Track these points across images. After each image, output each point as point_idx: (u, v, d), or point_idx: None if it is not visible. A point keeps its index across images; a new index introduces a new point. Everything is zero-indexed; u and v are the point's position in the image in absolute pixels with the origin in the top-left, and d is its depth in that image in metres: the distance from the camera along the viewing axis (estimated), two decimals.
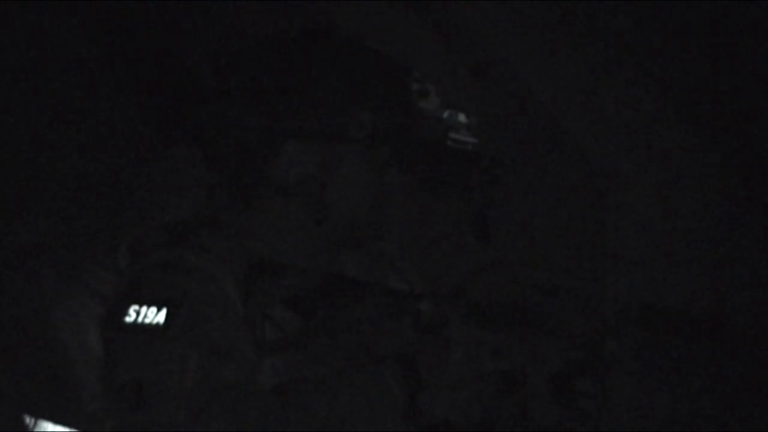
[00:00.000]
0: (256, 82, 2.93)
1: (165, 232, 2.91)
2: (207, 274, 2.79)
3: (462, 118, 3.04)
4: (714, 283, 3.81)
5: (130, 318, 2.74)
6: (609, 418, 3.23)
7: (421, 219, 3.23)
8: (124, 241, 2.95)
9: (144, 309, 2.74)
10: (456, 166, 3.02)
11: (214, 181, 2.98)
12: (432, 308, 2.98)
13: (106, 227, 3.02)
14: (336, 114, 2.91)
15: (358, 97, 2.93)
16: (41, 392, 3.13)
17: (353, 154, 2.95)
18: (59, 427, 3.12)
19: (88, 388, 2.99)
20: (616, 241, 3.75)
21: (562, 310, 3.03)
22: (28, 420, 3.12)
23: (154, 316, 2.72)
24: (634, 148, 3.86)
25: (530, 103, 3.50)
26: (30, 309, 3.25)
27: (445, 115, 3.04)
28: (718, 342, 3.35)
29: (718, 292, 3.79)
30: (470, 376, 2.94)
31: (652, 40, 3.83)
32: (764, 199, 3.80)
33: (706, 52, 3.78)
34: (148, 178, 3.02)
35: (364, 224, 3.03)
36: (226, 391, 2.70)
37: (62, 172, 3.53)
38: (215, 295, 2.79)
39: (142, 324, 2.72)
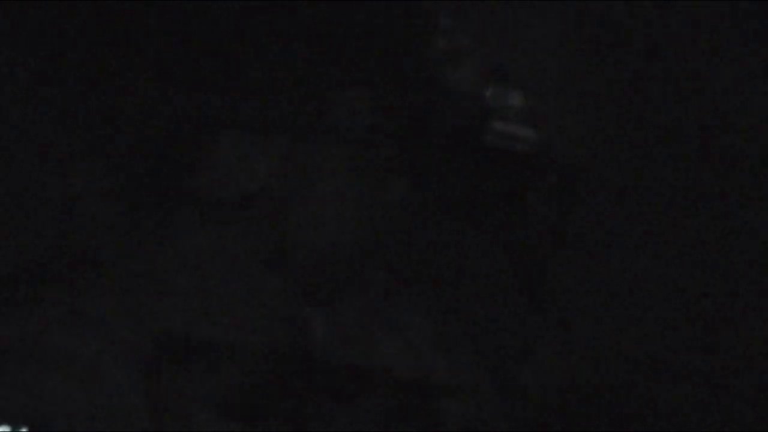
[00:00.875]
0: (193, 39, 1.88)
1: (21, 278, 1.87)
2: (91, 362, 1.80)
3: (515, 97, 1.86)
4: None
5: None
6: None
7: (443, 259, 2.05)
8: None
9: None
10: (501, 177, 1.86)
11: (109, 193, 1.93)
12: (463, 407, 1.91)
13: None
14: (313, 92, 1.87)
15: (350, 62, 1.87)
16: None
17: (337, 156, 1.88)
18: None
19: None
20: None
21: (666, 400, 1.99)
22: None
23: None
24: None
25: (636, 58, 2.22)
26: None
27: (488, 92, 1.87)
28: None
29: None
30: None
31: None
32: None
33: None
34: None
35: (347, 266, 1.93)
36: None
37: None
38: (107, 399, 1.79)
39: None
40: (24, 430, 1.76)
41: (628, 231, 2.13)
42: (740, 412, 2.23)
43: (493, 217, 1.93)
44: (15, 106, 2.24)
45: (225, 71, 1.92)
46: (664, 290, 2.17)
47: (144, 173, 1.93)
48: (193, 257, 1.92)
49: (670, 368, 2.16)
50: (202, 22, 1.94)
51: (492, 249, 1.99)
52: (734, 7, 2.41)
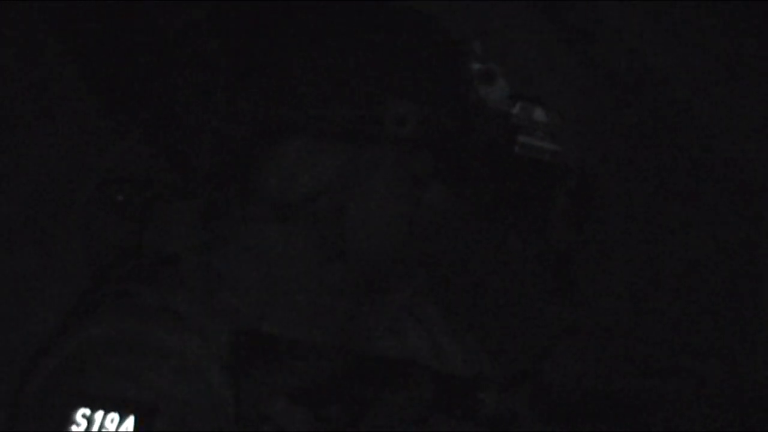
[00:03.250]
0: (251, 49, 2.08)
1: (111, 275, 2.09)
2: (184, 357, 1.95)
3: (539, 114, 2.11)
4: None
5: (78, 429, 1.89)
6: None
7: (474, 261, 2.27)
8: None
9: (99, 416, 1.91)
10: (527, 185, 2.10)
11: (186, 195, 2.14)
12: (496, 398, 2.11)
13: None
14: (366, 102, 2.06)
15: (398, 79, 2.07)
16: None
17: (386, 161, 2.10)
18: None
19: None
20: None
21: (678, 402, 2.14)
22: None
23: (116, 427, 1.88)
24: None
25: (649, 88, 2.45)
26: None
27: (515, 109, 2.12)
28: None
29: None
30: None
31: None
32: None
33: None
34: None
35: (391, 268, 2.14)
36: None
37: None
38: (200, 393, 1.95)
39: None
40: (131, 418, 1.87)
41: (631, 228, 2.33)
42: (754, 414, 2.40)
43: (522, 219, 2.16)
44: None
45: (290, 86, 2.09)
46: (676, 287, 2.34)
47: (213, 178, 2.13)
48: (261, 253, 2.09)
49: (683, 374, 2.34)
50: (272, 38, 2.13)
51: (521, 248, 2.21)
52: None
